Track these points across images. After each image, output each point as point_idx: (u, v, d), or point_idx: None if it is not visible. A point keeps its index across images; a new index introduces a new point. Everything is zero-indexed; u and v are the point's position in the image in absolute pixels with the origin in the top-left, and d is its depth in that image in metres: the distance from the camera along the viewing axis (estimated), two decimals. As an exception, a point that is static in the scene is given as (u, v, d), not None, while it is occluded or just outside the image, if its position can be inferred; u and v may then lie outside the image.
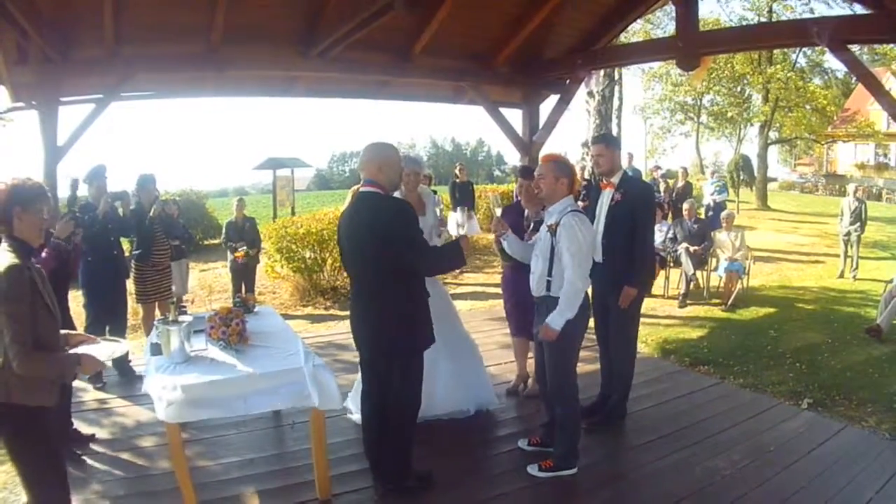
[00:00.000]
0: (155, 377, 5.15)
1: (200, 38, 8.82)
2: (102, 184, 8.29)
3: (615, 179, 6.90)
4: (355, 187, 13.75)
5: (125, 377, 8.23)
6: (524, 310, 7.41)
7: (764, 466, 6.25)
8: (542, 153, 7.13)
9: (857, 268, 16.79)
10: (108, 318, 8.06)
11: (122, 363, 8.24)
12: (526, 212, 7.47)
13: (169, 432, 5.10)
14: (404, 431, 5.51)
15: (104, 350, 4.18)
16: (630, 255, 6.74)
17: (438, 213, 7.21)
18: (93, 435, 6.68)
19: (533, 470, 6.01)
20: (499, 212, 6.31)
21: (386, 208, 5.25)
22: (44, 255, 6.04)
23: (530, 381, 7.96)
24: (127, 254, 9.29)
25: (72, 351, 3.99)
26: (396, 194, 6.09)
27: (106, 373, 8.10)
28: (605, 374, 7.43)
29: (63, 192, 9.38)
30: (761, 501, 5.64)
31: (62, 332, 4.10)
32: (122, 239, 8.80)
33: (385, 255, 5.13)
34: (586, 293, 5.80)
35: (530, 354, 7.78)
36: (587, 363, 8.60)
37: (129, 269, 8.95)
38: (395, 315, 5.27)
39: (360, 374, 6.89)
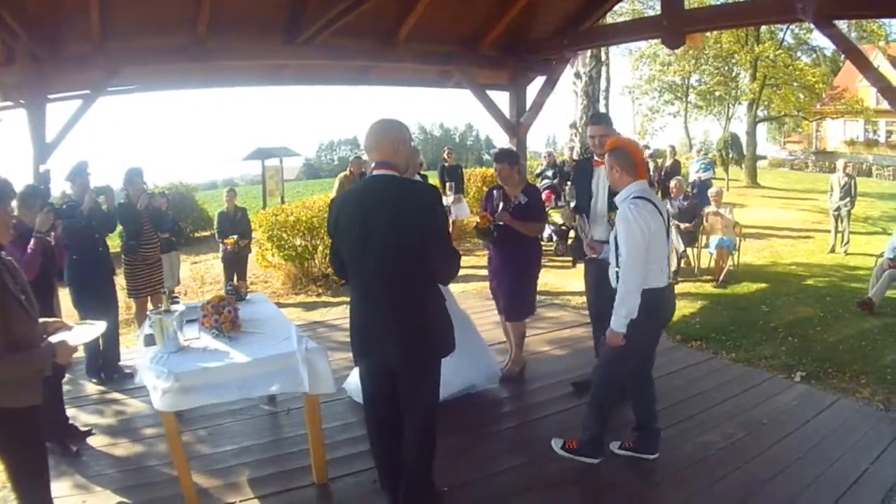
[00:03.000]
0: (149, 367, 5.14)
1: (186, 29, 8.78)
2: (85, 180, 8.19)
3: None
4: (342, 174, 13.65)
5: (117, 374, 8.22)
6: (506, 291, 7.62)
7: (758, 439, 6.28)
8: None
9: (847, 242, 16.83)
10: (99, 315, 7.97)
11: (113, 365, 8.31)
12: (495, 194, 7.60)
13: (165, 421, 5.12)
14: (434, 435, 4.85)
15: (79, 335, 4.19)
16: None
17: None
18: (90, 430, 6.68)
19: (556, 445, 5.94)
20: (587, 230, 6.25)
21: (425, 195, 4.58)
22: (30, 249, 6.04)
23: (510, 362, 8.07)
24: (118, 249, 9.25)
25: (49, 339, 3.98)
26: None
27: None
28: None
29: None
30: (756, 474, 5.66)
31: (41, 320, 4.06)
32: (109, 234, 8.76)
33: (419, 249, 4.39)
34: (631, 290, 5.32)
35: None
36: (580, 341, 8.68)
37: (114, 265, 8.76)
38: (435, 315, 4.68)
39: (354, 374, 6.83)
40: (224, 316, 5.72)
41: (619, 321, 5.29)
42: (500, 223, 7.16)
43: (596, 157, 6.89)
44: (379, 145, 4.56)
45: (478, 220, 7.47)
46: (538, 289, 8.24)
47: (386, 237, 4.37)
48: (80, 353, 7.82)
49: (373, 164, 4.64)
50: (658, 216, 5.31)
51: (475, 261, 15.10)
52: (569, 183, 6.41)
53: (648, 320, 5.36)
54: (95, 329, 4.38)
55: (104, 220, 8.40)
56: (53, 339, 3.96)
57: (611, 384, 5.71)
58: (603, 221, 6.72)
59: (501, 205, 7.33)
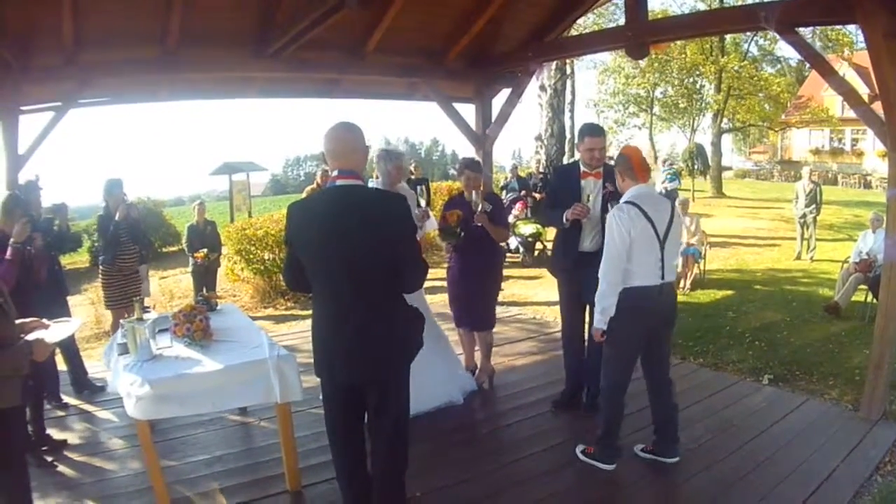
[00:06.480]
0: (123, 375, 5.14)
1: (156, 42, 8.74)
2: (37, 197, 7.99)
3: (600, 170, 6.73)
4: (309, 187, 13.67)
5: (88, 390, 8.16)
6: (474, 301, 7.71)
7: (727, 440, 6.38)
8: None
9: (814, 249, 17.10)
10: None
11: (81, 380, 8.23)
12: (469, 196, 7.60)
13: (139, 429, 5.10)
14: (407, 442, 4.67)
15: (55, 332, 4.23)
16: None
17: (423, 205, 7.35)
18: (65, 441, 6.63)
19: (578, 450, 6.08)
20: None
21: (395, 205, 4.34)
22: (8, 257, 6.01)
23: (478, 371, 8.10)
24: (87, 263, 9.21)
25: (25, 338, 4.00)
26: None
27: (63, 386, 8.01)
28: (573, 367, 7.32)
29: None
30: (726, 474, 5.73)
31: (17, 321, 4.10)
32: (67, 253, 8.69)
33: (390, 259, 4.22)
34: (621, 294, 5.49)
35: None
36: (548, 350, 8.73)
37: (67, 286, 8.59)
38: (402, 324, 4.47)
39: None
40: (196, 325, 5.71)
41: (597, 318, 5.57)
42: (477, 224, 7.21)
43: (588, 170, 6.77)
44: (346, 153, 4.31)
45: (446, 216, 7.43)
46: (507, 299, 8.28)
47: (355, 248, 4.14)
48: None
49: (335, 173, 4.33)
50: (642, 220, 5.37)
51: (442, 273, 15.10)
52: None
53: (633, 316, 5.49)
54: (70, 326, 4.45)
55: (57, 240, 8.16)
56: (30, 337, 3.99)
57: (612, 385, 5.79)
58: (596, 229, 6.65)
59: (480, 207, 7.32)
